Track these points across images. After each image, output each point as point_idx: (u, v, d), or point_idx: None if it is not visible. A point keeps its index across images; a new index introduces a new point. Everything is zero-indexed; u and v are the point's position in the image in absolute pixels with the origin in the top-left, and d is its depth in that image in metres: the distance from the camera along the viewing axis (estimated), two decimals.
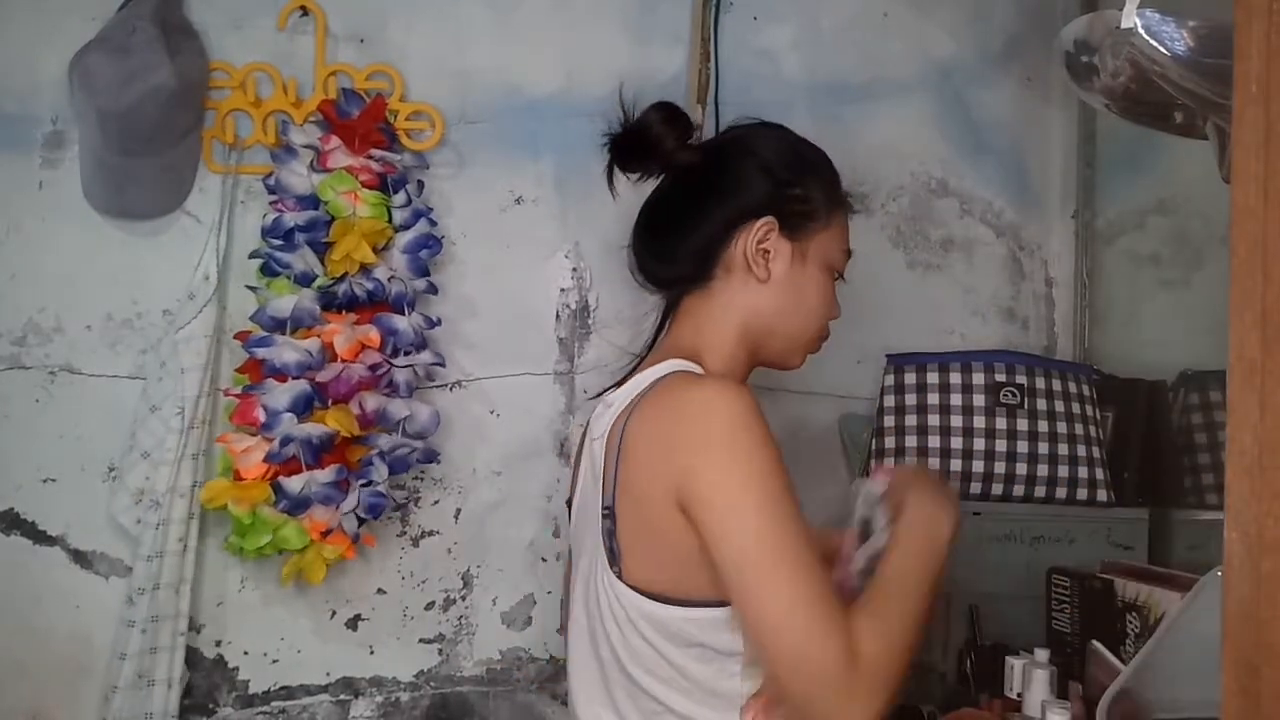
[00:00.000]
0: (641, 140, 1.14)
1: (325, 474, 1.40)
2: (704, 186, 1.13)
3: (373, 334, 1.45)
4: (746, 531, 0.93)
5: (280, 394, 1.39)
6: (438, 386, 1.59)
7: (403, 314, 1.48)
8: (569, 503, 1.19)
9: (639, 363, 1.16)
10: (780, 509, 0.94)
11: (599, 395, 1.15)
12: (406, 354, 1.48)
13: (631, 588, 1.00)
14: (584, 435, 1.17)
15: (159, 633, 1.42)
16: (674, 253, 1.14)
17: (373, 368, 1.44)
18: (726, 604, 0.97)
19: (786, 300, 1.12)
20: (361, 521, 1.45)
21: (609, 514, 1.02)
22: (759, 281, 1.11)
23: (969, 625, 1.47)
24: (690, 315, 1.14)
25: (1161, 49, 0.98)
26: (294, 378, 1.40)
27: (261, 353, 1.41)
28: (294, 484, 1.39)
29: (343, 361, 1.42)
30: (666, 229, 1.16)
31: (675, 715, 1.00)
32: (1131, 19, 0.98)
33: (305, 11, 1.53)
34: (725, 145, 1.17)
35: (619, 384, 1.12)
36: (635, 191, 1.67)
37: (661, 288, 1.19)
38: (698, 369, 1.08)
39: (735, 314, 1.12)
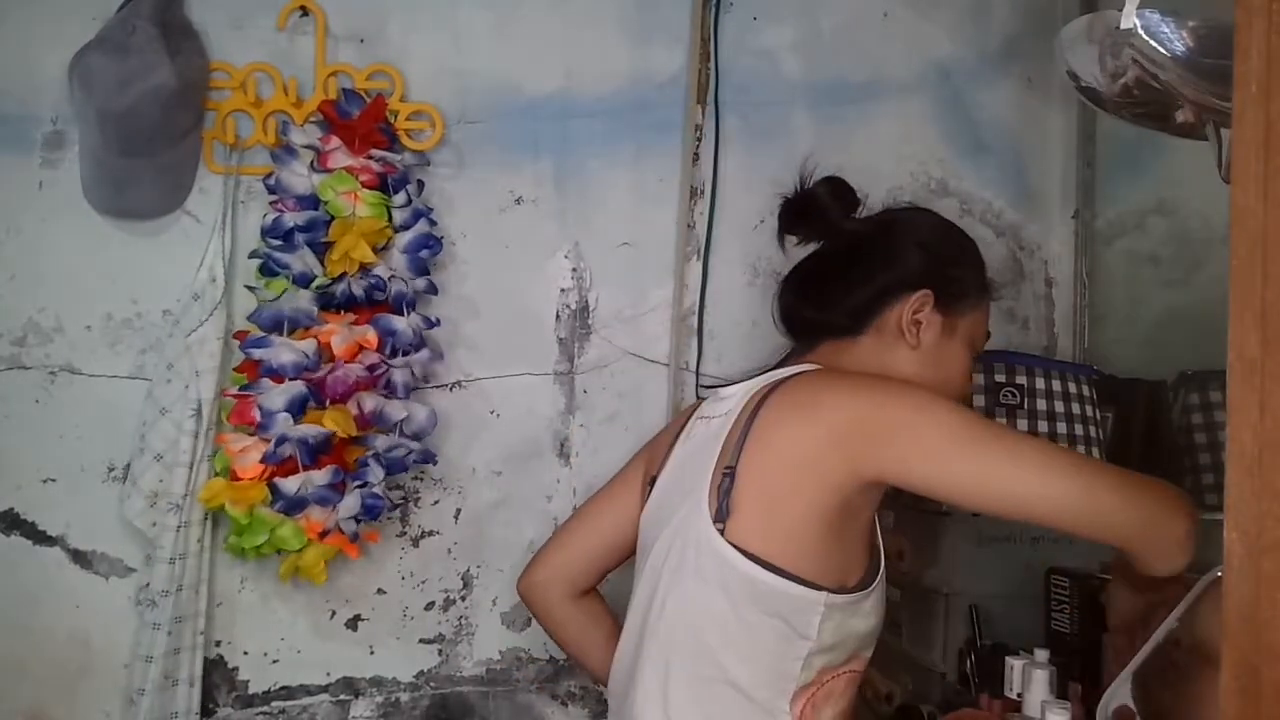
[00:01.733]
0: (809, 209, 1.24)
1: (321, 475, 1.41)
2: (866, 255, 1.22)
3: (370, 335, 1.45)
4: (1001, 463, 1.01)
5: (276, 395, 1.40)
6: (438, 387, 1.59)
7: (402, 314, 1.48)
8: (653, 480, 1.21)
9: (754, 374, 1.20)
10: (999, 428, 1.08)
11: (711, 386, 1.24)
12: (405, 354, 1.48)
13: (733, 546, 1.03)
14: (687, 418, 1.22)
15: (181, 633, 1.43)
16: (832, 306, 1.22)
17: (370, 368, 1.44)
18: (825, 589, 1.02)
19: (927, 368, 1.18)
20: (358, 523, 1.45)
21: (730, 473, 1.06)
22: (909, 348, 1.18)
23: (969, 625, 1.47)
24: (826, 353, 1.20)
25: (1161, 49, 0.98)
26: (290, 378, 1.40)
27: (258, 353, 1.41)
28: (290, 484, 1.39)
29: (340, 362, 1.43)
30: (826, 285, 1.24)
31: (730, 686, 1.04)
32: (1131, 19, 0.98)
33: (305, 11, 1.53)
34: (888, 221, 1.25)
35: (730, 383, 1.18)
36: (634, 198, 1.68)
37: (806, 330, 1.25)
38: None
39: (875, 365, 1.18)
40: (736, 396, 1.13)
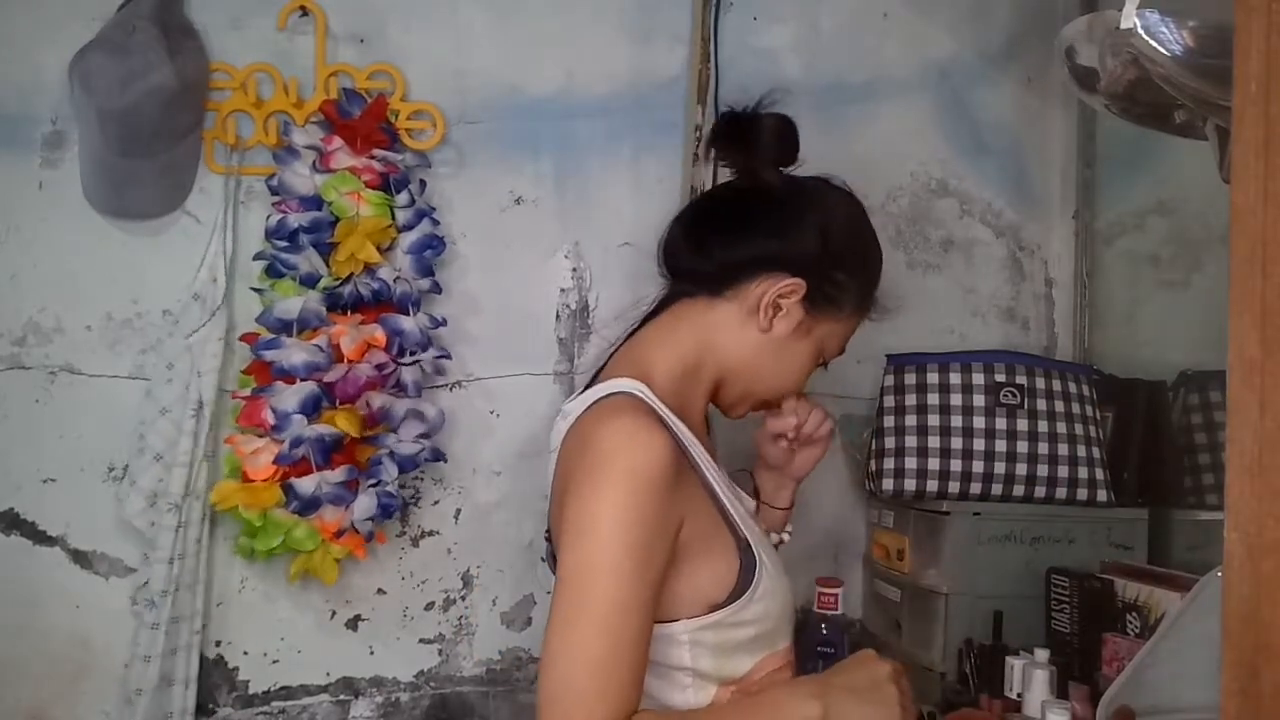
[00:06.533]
0: (745, 134, 1.12)
1: (335, 474, 1.41)
2: (766, 213, 1.11)
3: (378, 334, 1.45)
4: (578, 565, 0.91)
5: (289, 396, 1.40)
6: (438, 386, 1.59)
7: (408, 314, 1.48)
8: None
9: (607, 361, 1.14)
10: (623, 564, 0.90)
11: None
12: (412, 353, 1.48)
13: None
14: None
15: (178, 633, 1.43)
16: (710, 251, 1.12)
17: (379, 367, 1.45)
18: (675, 620, 0.98)
19: (768, 358, 1.10)
20: (373, 522, 1.46)
21: (548, 537, 1.03)
22: (758, 329, 1.09)
23: (992, 631, 1.45)
24: (676, 319, 1.12)
25: (1161, 49, 0.98)
26: (302, 379, 1.40)
27: (269, 355, 1.40)
28: (306, 485, 1.39)
29: (349, 362, 1.43)
30: (715, 226, 1.13)
31: None
32: (1131, 19, 0.98)
33: (305, 11, 1.53)
34: (807, 189, 1.13)
35: (586, 387, 1.10)
36: (634, 198, 1.68)
37: (673, 276, 1.16)
38: (640, 389, 1.03)
39: (716, 340, 1.10)
40: (560, 428, 1.06)
